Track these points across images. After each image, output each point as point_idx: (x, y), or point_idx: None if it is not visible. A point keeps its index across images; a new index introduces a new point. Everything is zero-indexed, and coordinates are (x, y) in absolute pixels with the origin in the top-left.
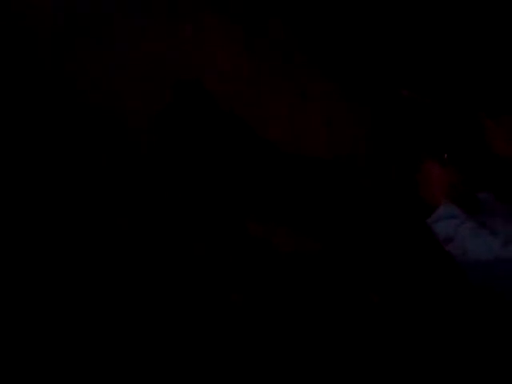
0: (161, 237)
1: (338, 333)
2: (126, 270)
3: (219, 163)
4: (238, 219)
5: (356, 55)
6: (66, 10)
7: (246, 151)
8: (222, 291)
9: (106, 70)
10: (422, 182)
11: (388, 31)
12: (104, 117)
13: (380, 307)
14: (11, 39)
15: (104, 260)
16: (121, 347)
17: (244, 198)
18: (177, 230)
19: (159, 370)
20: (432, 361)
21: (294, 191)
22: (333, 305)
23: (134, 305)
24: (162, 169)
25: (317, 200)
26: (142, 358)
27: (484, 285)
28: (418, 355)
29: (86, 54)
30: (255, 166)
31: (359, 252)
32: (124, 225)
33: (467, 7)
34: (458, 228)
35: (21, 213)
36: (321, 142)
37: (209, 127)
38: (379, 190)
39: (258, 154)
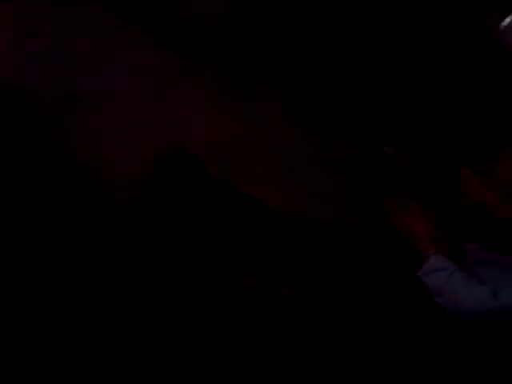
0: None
1: None
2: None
3: (207, 225)
4: (228, 274)
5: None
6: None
7: (233, 213)
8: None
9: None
10: (406, 230)
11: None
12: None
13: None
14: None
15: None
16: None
17: (233, 255)
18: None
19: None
20: None
21: (278, 250)
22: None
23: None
24: (151, 230)
25: (305, 257)
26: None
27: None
28: None
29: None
30: (241, 227)
31: (352, 308)
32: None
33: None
34: (448, 279)
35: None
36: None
37: (195, 191)
38: (367, 244)
39: (243, 214)
